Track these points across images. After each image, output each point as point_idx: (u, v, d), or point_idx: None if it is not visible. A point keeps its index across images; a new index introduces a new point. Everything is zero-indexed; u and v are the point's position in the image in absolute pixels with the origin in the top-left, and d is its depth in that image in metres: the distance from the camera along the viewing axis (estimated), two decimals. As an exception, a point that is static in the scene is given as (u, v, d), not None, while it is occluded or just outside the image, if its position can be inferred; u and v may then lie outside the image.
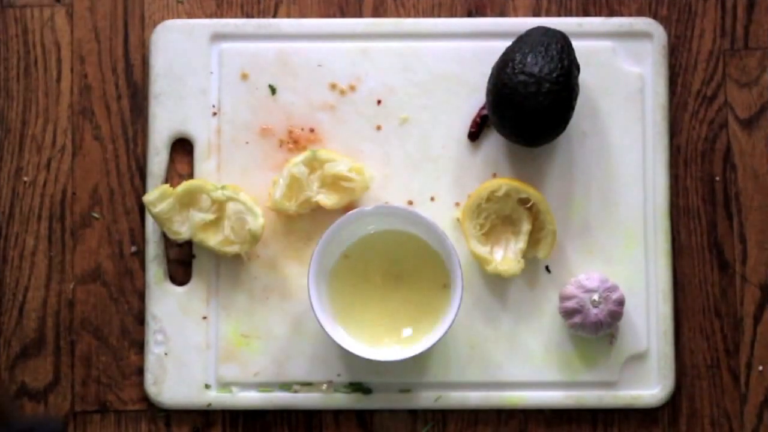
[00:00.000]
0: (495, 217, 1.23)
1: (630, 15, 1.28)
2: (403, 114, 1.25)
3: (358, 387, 1.23)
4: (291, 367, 1.23)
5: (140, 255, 1.26)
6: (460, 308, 1.17)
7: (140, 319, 1.25)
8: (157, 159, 1.25)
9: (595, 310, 1.20)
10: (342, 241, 1.20)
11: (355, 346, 1.18)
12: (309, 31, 1.26)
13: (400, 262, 1.21)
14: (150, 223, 1.25)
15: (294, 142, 1.25)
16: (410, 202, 1.25)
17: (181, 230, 1.22)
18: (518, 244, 1.22)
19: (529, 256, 1.23)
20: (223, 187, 1.22)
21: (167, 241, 1.25)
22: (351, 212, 1.18)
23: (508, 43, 1.23)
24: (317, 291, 1.18)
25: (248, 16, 1.28)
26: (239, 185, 1.24)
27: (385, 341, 1.20)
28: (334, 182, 1.22)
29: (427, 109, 1.25)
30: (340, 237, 1.20)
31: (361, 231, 1.21)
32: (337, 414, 1.24)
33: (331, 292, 1.21)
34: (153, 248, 1.25)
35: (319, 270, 1.18)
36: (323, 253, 1.18)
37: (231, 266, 1.24)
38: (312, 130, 1.25)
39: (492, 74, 1.22)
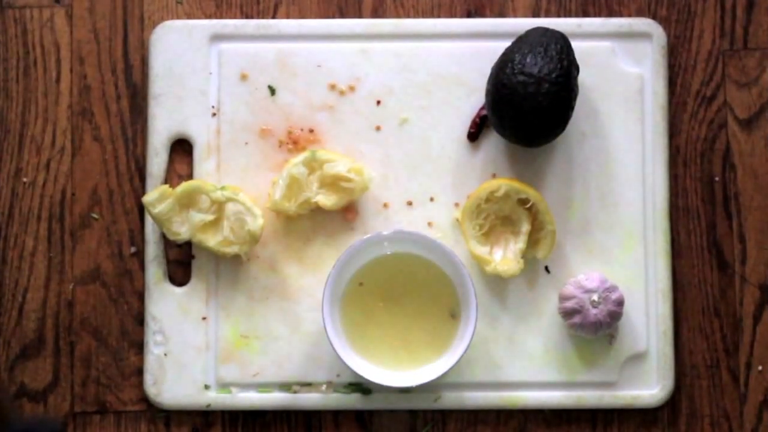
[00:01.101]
0: (494, 217, 1.23)
1: (629, 15, 1.28)
2: (403, 114, 1.25)
3: (357, 387, 1.23)
4: (290, 368, 1.23)
5: (140, 256, 1.26)
6: (473, 337, 1.17)
7: (140, 320, 1.25)
8: (157, 160, 1.25)
9: (594, 311, 1.20)
10: (357, 263, 1.20)
11: (369, 371, 1.18)
12: (308, 31, 1.26)
13: (413, 287, 1.21)
14: (149, 224, 1.25)
15: (293, 142, 1.25)
16: (410, 203, 1.25)
17: (181, 231, 1.22)
18: (517, 244, 1.22)
19: (528, 256, 1.23)
20: (222, 188, 1.22)
21: (167, 242, 1.25)
22: (368, 236, 1.18)
23: (508, 43, 1.23)
24: (330, 313, 1.17)
25: (247, 16, 1.28)
26: (239, 186, 1.24)
27: (396, 364, 1.20)
28: (333, 183, 1.22)
29: (427, 109, 1.25)
30: (356, 259, 1.19)
31: (377, 253, 1.20)
32: (337, 414, 1.24)
33: (343, 314, 1.20)
34: (152, 249, 1.25)
35: (333, 292, 1.18)
36: (338, 276, 1.18)
37: (230, 267, 1.24)
38: (311, 131, 1.25)
39: (491, 75, 1.22)
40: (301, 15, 1.28)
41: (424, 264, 1.20)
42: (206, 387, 1.23)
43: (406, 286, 1.21)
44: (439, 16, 1.28)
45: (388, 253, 1.20)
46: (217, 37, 1.26)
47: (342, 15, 1.28)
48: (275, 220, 1.25)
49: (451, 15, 1.28)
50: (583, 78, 1.25)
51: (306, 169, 1.22)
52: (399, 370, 1.20)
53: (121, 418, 1.25)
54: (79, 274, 1.26)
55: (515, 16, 1.27)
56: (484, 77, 1.24)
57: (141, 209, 1.26)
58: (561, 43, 1.20)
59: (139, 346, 1.25)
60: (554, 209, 1.24)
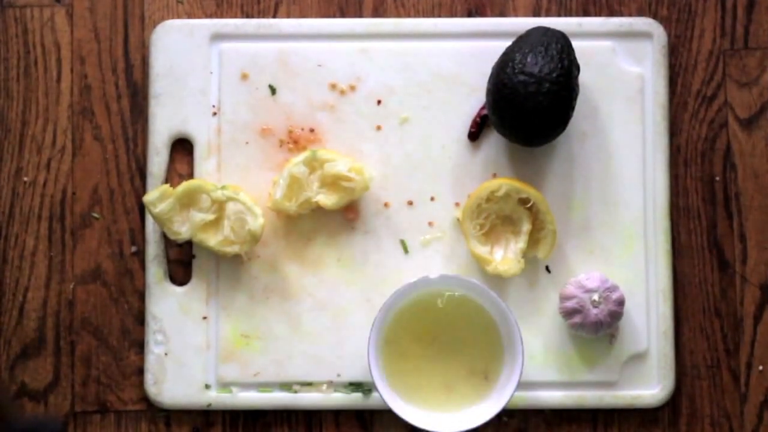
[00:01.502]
0: (495, 217, 1.23)
1: (630, 15, 1.28)
2: (403, 114, 1.25)
3: (358, 387, 1.23)
4: (291, 367, 1.23)
5: (140, 255, 1.26)
6: (519, 383, 1.18)
7: (140, 319, 1.25)
8: (157, 159, 1.25)
9: (595, 310, 1.20)
10: (400, 303, 1.20)
11: (413, 415, 1.18)
12: (309, 31, 1.26)
13: (456, 329, 1.20)
14: (150, 223, 1.25)
15: (294, 142, 1.25)
16: (410, 202, 1.25)
17: (181, 230, 1.22)
18: (518, 244, 1.22)
19: (529, 256, 1.23)
20: (223, 187, 1.22)
21: (167, 241, 1.25)
22: (416, 280, 1.18)
23: (508, 43, 1.23)
24: (376, 357, 1.18)
25: (248, 16, 1.28)
26: (239, 185, 1.24)
27: (437, 406, 1.20)
28: (334, 182, 1.22)
29: (427, 109, 1.25)
30: (400, 300, 1.19)
31: (420, 293, 1.20)
32: (337, 414, 1.24)
33: (383, 355, 1.20)
34: (153, 248, 1.25)
35: (378, 335, 1.18)
36: (384, 319, 1.18)
37: (231, 266, 1.24)
38: (312, 130, 1.25)
39: (492, 74, 1.22)
40: (302, 14, 1.28)
41: (469, 305, 1.20)
42: (207, 386, 1.23)
43: (448, 328, 1.21)
44: (439, 16, 1.27)
45: (433, 293, 1.20)
46: (218, 37, 1.26)
47: (342, 14, 1.28)
48: (276, 219, 1.25)
49: (452, 14, 1.28)
50: (584, 77, 1.25)
51: (307, 169, 1.22)
52: (440, 411, 1.20)
53: (121, 417, 1.25)
54: (80, 274, 1.26)
55: (516, 15, 1.27)
56: (484, 77, 1.24)
57: (141, 209, 1.26)
58: (561, 43, 1.20)
59: (140, 346, 1.25)
60: (555, 209, 1.24)
